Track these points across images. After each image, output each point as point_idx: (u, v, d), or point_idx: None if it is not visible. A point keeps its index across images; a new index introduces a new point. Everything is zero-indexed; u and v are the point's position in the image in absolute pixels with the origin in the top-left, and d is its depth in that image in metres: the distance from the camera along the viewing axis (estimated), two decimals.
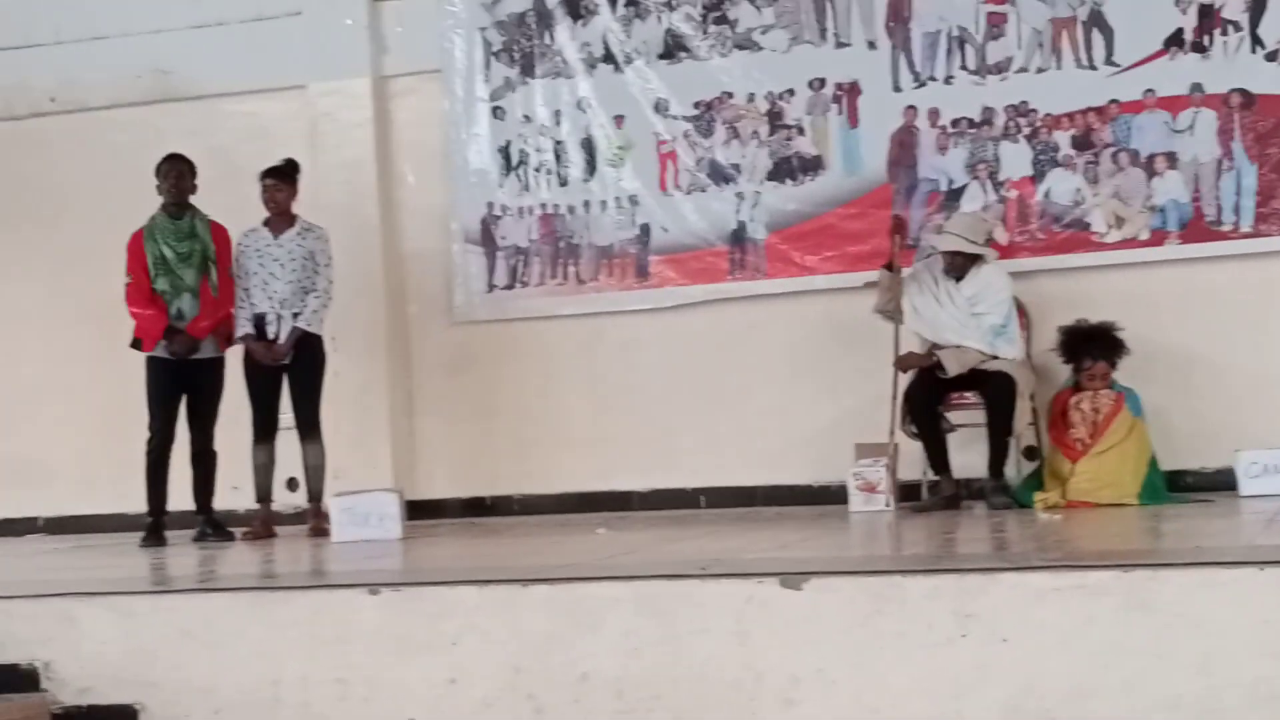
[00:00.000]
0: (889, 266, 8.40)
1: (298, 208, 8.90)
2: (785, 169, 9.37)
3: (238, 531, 8.79)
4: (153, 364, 8.65)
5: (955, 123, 9.05)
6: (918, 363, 8.26)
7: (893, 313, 8.41)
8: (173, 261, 8.64)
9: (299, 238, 8.77)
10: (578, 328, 9.74)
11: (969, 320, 8.21)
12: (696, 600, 5.38)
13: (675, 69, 9.57)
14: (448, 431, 9.90)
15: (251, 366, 8.69)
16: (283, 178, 8.80)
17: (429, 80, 10.01)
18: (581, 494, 9.60)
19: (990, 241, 8.49)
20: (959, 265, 8.24)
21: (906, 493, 8.46)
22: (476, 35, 9.91)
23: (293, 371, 8.73)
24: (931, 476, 8.40)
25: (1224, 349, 8.63)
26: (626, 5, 9.67)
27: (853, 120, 9.25)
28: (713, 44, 9.51)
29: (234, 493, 8.97)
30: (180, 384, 8.67)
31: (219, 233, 8.80)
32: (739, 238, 9.43)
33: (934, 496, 8.29)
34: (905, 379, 8.31)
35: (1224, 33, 8.63)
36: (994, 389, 8.11)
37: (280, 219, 8.80)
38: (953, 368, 8.16)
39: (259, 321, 8.69)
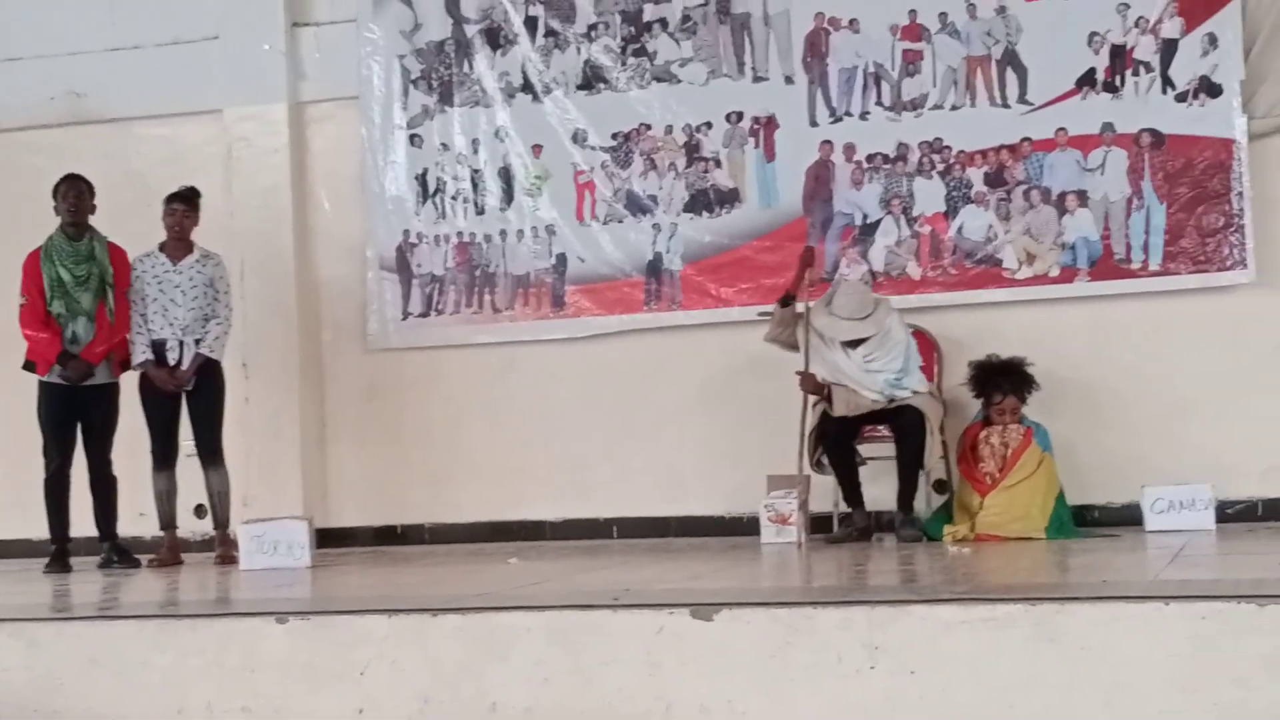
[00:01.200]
0: (786, 299, 8.40)
1: (208, 232, 8.83)
2: (702, 201, 9.41)
3: (144, 558, 8.69)
4: (46, 389, 8.56)
5: (870, 158, 9.13)
6: (814, 389, 8.28)
7: (785, 344, 8.43)
8: (69, 284, 8.55)
9: (199, 265, 8.73)
10: (493, 357, 9.71)
11: (866, 377, 8.21)
12: (607, 631, 5.36)
13: (594, 100, 9.59)
14: (360, 459, 9.84)
15: (149, 393, 8.62)
16: (190, 204, 8.75)
17: (346, 107, 9.97)
18: (494, 523, 9.57)
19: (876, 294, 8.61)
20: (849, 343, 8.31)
21: (818, 525, 8.51)
22: (395, 63, 9.89)
23: (194, 398, 8.67)
24: (843, 509, 8.43)
25: (1131, 386, 8.73)
26: (546, 36, 9.69)
27: (769, 154, 9.31)
28: (631, 76, 9.54)
29: (140, 519, 8.88)
30: (74, 410, 8.57)
31: (118, 256, 8.73)
32: (655, 269, 9.46)
33: (846, 529, 8.33)
34: (816, 411, 8.33)
35: (1135, 74, 8.76)
36: (903, 423, 8.16)
37: (180, 245, 8.76)
38: (839, 409, 8.19)
39: (158, 348, 8.61)
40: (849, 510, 8.36)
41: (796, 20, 9.27)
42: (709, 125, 9.40)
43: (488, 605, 5.65)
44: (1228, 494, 8.31)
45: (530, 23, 9.72)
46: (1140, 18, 8.75)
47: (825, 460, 8.31)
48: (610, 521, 9.42)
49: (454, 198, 9.81)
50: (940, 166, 9.03)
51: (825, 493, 8.51)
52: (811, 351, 8.31)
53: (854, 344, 8.22)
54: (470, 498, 9.66)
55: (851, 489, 8.31)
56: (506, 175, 9.73)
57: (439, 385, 9.77)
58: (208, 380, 8.69)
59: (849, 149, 9.16)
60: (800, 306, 8.39)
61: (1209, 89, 8.62)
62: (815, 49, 9.24)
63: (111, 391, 8.68)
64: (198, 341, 8.62)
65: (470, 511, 9.64)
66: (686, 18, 9.46)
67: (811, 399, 8.32)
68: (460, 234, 9.79)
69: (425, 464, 9.73)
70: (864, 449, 8.46)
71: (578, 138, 9.60)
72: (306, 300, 9.93)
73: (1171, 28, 8.70)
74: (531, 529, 9.52)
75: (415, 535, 9.71)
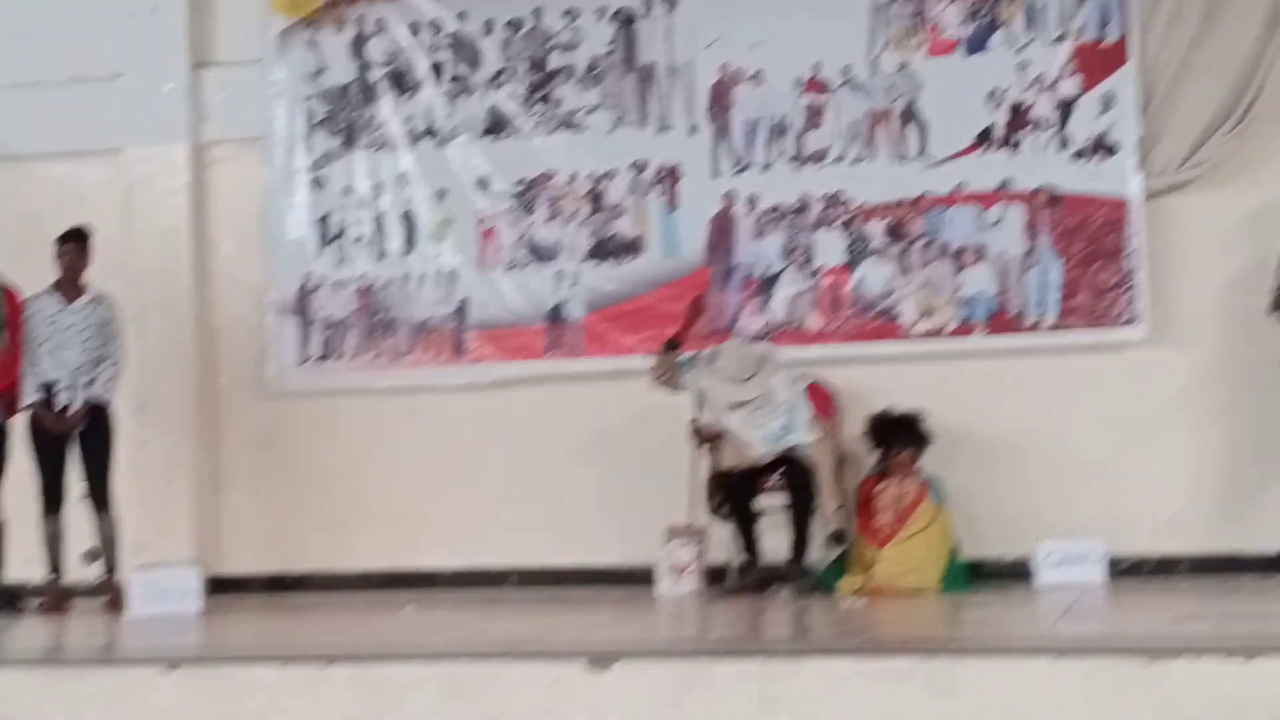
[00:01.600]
0: (671, 344, 8.38)
1: (106, 273, 8.72)
2: (605, 249, 9.43)
3: (31, 604, 8.53)
4: None
5: (773, 209, 9.19)
6: (709, 435, 8.30)
7: (669, 386, 8.44)
8: None
9: (91, 306, 8.63)
10: (392, 402, 9.65)
11: (750, 432, 8.21)
12: (503, 682, 5.32)
13: (498, 146, 9.60)
14: (256, 506, 9.73)
15: (39, 436, 8.48)
16: (82, 245, 8.65)
17: (249, 149, 9.91)
18: (390, 572, 9.47)
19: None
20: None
21: (715, 576, 8.49)
22: (299, 105, 9.85)
23: (84, 442, 8.54)
24: (740, 559, 8.42)
25: (1026, 440, 8.80)
26: (451, 81, 9.68)
27: (673, 203, 9.35)
28: (536, 123, 9.55)
29: (27, 565, 8.70)
30: None
31: (10, 296, 8.60)
32: (557, 316, 9.45)
33: (742, 579, 8.32)
34: (711, 459, 8.32)
35: (1034, 131, 8.88)
36: (794, 475, 8.18)
37: (72, 287, 8.64)
38: (728, 459, 8.23)
39: (49, 389, 8.48)
40: (746, 561, 8.34)
41: (701, 72, 9.33)
42: (613, 174, 9.43)
43: (381, 655, 5.60)
44: (1119, 549, 8.37)
45: (436, 68, 9.72)
46: (1039, 75, 8.87)
47: (725, 508, 8.30)
48: (508, 571, 9.36)
49: (356, 242, 9.76)
50: (841, 219, 9.10)
51: (722, 543, 8.49)
52: (704, 403, 8.32)
53: (736, 405, 8.24)
54: (366, 545, 9.56)
55: (749, 540, 8.31)
56: (409, 220, 9.70)
57: (337, 430, 9.69)
58: (98, 424, 8.56)
59: (752, 200, 9.22)
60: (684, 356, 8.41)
61: (1106, 147, 8.76)
62: (719, 100, 9.30)
63: (1, 434, 8.54)
64: (89, 384, 8.50)
65: (366, 559, 9.55)
66: (592, 66, 9.49)
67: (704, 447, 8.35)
68: (361, 278, 9.74)
69: (321, 511, 9.63)
70: (761, 500, 8.45)
71: (481, 184, 9.59)
72: (204, 343, 9.84)
73: (1069, 86, 8.83)
74: (428, 578, 9.42)
75: (310, 583, 9.59)
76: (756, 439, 8.19)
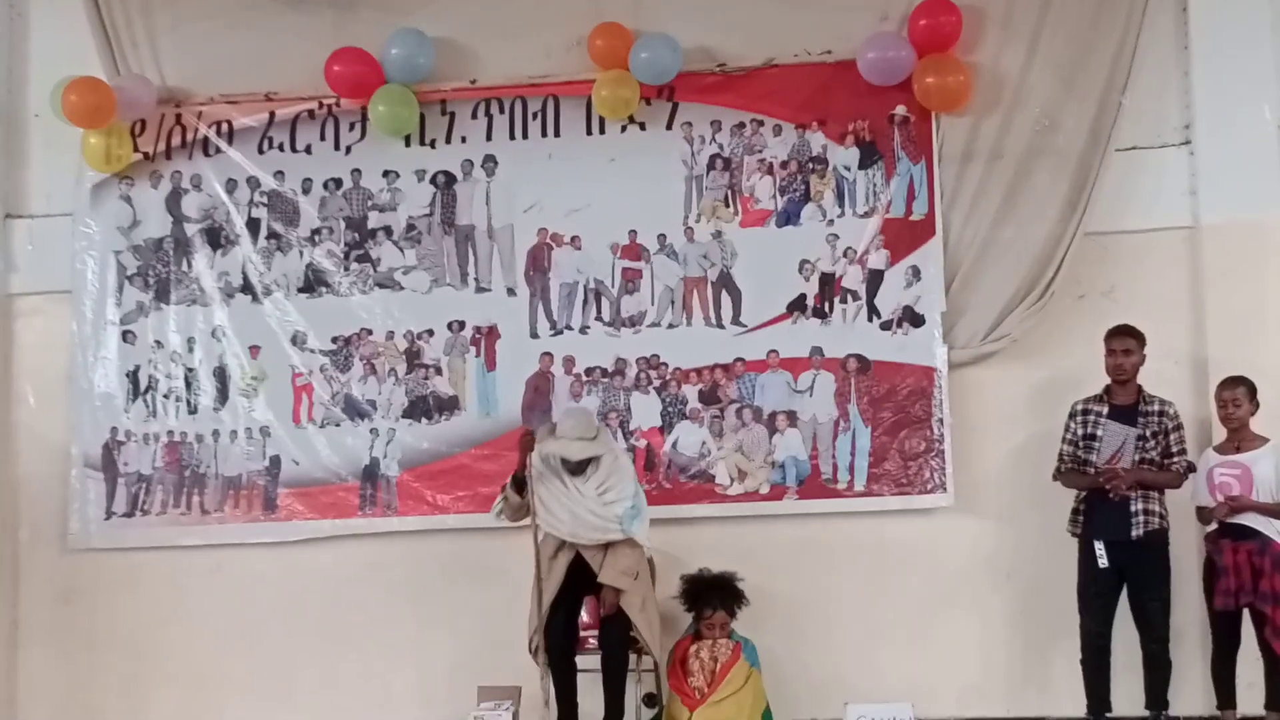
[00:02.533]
0: (519, 482, 8.29)
1: None
2: (421, 407, 9.42)
3: None
4: None
5: (589, 371, 9.27)
6: (529, 444, 8.28)
7: (515, 518, 8.39)
8: None
9: None
10: (200, 559, 9.46)
11: (603, 510, 8.16)
12: None
13: (315, 303, 9.58)
14: (54, 664, 9.44)
15: None
16: None
17: (58, 301, 9.75)
18: None
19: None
20: (583, 464, 8.26)
21: None
22: (111, 258, 9.74)
23: None
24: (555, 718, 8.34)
25: (836, 604, 8.93)
26: (268, 238, 9.66)
27: (490, 363, 9.39)
28: (354, 281, 9.56)
29: None
30: None
31: None
32: (372, 474, 9.39)
33: None
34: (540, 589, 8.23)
35: (843, 301, 9.12)
36: (609, 637, 8.16)
37: None
38: (563, 533, 8.20)
39: None
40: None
41: (520, 235, 9.44)
42: (430, 332, 9.46)
43: None
44: (926, 713, 8.48)
45: (253, 224, 9.70)
46: (849, 248, 9.13)
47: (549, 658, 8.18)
48: None
49: (166, 396, 9.63)
50: (657, 382, 9.22)
51: (535, 704, 8.42)
52: (547, 516, 8.22)
53: (582, 470, 8.20)
54: (167, 705, 9.33)
55: (567, 699, 8.22)
56: (222, 375, 9.61)
57: (141, 588, 9.47)
58: None
59: (569, 361, 9.30)
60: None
61: (912, 319, 9.02)
62: (537, 263, 9.41)
63: None
64: None
65: (166, 717, 9.30)
66: (411, 226, 9.55)
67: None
68: (171, 433, 9.59)
69: (122, 670, 9.38)
70: (580, 659, 8.40)
71: (297, 340, 9.55)
72: (4, 497, 9.59)
73: (878, 259, 9.11)
74: None
75: None
76: (609, 514, 8.14)
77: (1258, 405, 8.13)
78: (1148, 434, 8.12)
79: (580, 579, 8.20)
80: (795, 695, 8.65)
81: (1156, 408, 8.18)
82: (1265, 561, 7.84)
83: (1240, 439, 8.12)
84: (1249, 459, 8.04)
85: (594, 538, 8.19)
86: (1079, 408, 8.28)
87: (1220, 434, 8.29)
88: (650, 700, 8.52)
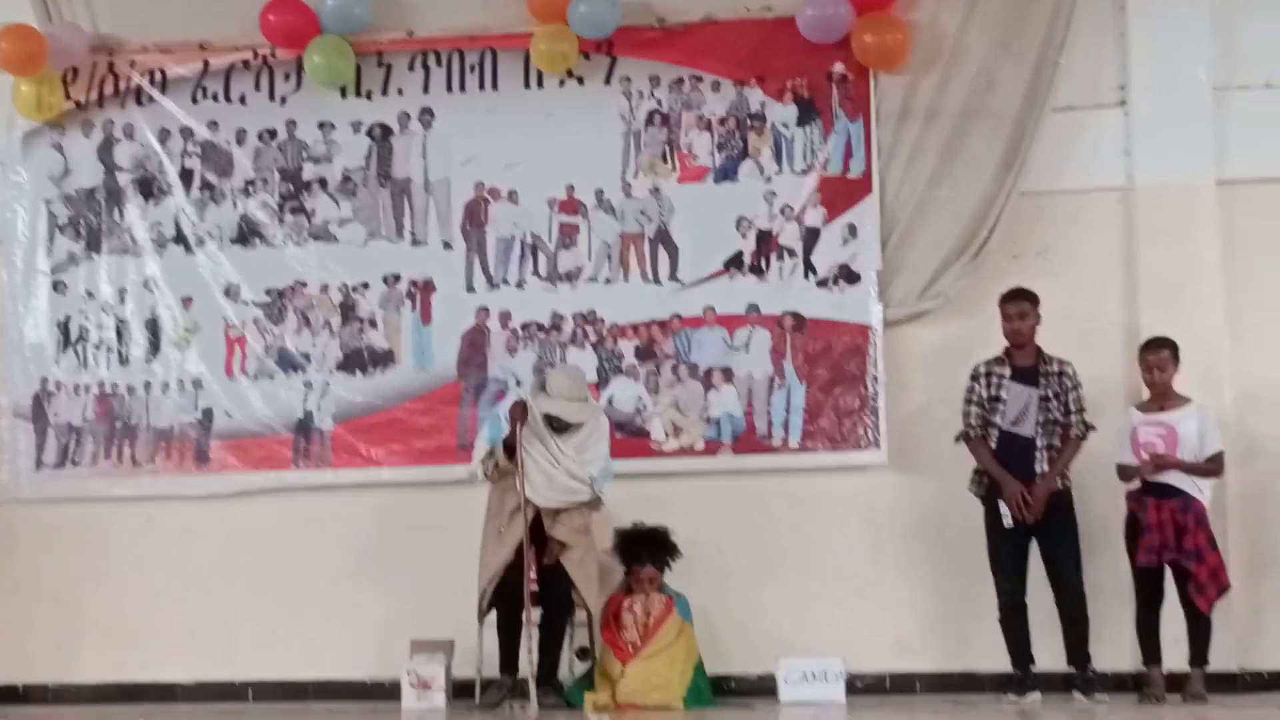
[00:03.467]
0: (510, 448, 8.09)
1: None
2: (356, 361, 9.37)
3: None
4: None
5: (525, 326, 9.25)
6: (521, 415, 8.12)
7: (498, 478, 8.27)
8: None
9: None
10: (131, 512, 9.39)
11: (579, 469, 8.13)
12: None
13: (248, 254, 9.50)
14: None
15: None
16: None
17: None
18: (123, 684, 9.19)
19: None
20: (565, 424, 8.17)
21: (462, 690, 8.42)
22: (41, 207, 9.64)
23: None
24: (487, 675, 8.33)
25: (769, 559, 8.96)
26: (201, 189, 9.58)
27: (425, 317, 9.35)
28: (288, 233, 9.49)
29: None
30: None
31: None
32: (305, 427, 9.34)
33: (497, 692, 8.18)
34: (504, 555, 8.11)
35: (780, 258, 9.13)
36: (548, 590, 8.16)
37: None
38: (538, 497, 8.10)
39: None
40: (500, 675, 8.21)
41: (456, 188, 9.39)
42: (366, 286, 9.41)
43: None
44: (858, 667, 8.57)
45: (186, 175, 9.61)
46: (786, 205, 9.14)
47: (497, 610, 8.15)
48: (247, 685, 9.15)
49: (97, 347, 9.55)
50: (593, 338, 9.20)
51: (469, 657, 8.43)
52: (529, 485, 8.09)
53: (566, 429, 8.14)
54: (98, 657, 9.27)
55: (510, 650, 8.17)
56: (154, 326, 9.53)
57: (71, 539, 9.39)
58: None
59: (504, 316, 9.28)
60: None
61: (848, 276, 9.04)
62: (474, 217, 9.37)
63: None
64: None
65: (98, 672, 9.25)
66: (346, 179, 9.49)
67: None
68: (101, 384, 9.51)
69: (52, 621, 9.32)
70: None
71: (230, 291, 9.48)
72: None
73: (814, 217, 9.12)
74: (163, 691, 9.18)
75: (38, 695, 9.24)
76: (582, 472, 8.13)
77: (1179, 365, 8.20)
78: (1049, 394, 8.20)
79: (534, 534, 8.14)
80: (728, 649, 8.70)
81: (1056, 368, 8.27)
82: (1189, 519, 7.93)
83: (1164, 399, 8.19)
84: (1174, 418, 8.12)
85: (563, 500, 8.17)
86: (981, 370, 8.34)
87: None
88: (584, 654, 8.55)
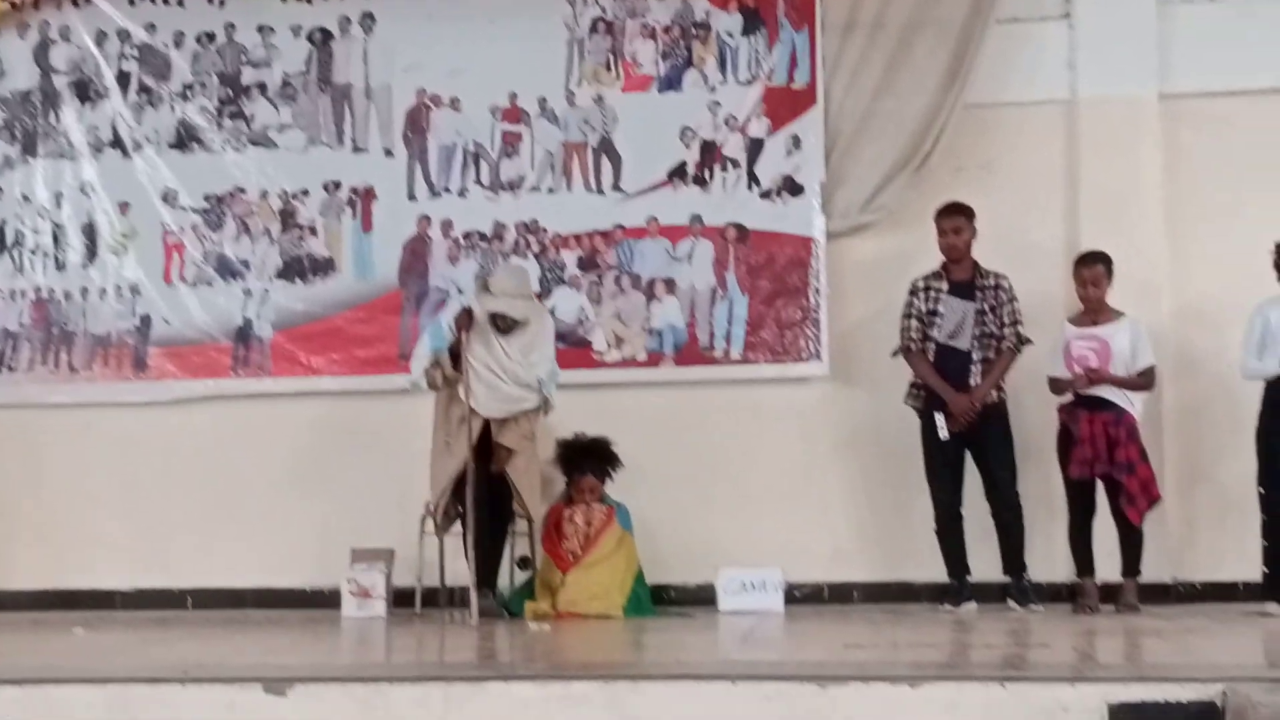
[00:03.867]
0: (455, 356, 8.01)
1: None
2: (296, 268, 9.31)
3: None
4: None
5: (467, 235, 9.20)
6: (467, 323, 7.99)
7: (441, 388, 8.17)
8: None
9: None
10: (68, 418, 9.35)
11: (526, 372, 8.02)
12: (175, 706, 5.21)
13: (187, 159, 9.41)
14: None
15: None
16: None
17: None
18: (60, 591, 9.20)
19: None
20: (511, 322, 8.06)
21: (403, 598, 8.44)
22: None
23: None
24: (426, 584, 8.34)
25: (710, 469, 8.98)
26: (139, 92, 9.46)
27: (366, 225, 9.28)
28: (227, 138, 9.39)
29: None
30: None
31: None
32: (245, 334, 9.28)
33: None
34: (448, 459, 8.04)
35: (724, 169, 9.09)
36: (496, 498, 8.12)
37: None
38: (483, 407, 7.98)
39: None
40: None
41: (398, 95, 9.30)
42: (306, 192, 9.32)
43: (47, 677, 5.41)
44: (796, 577, 8.63)
45: (123, 78, 9.49)
46: (730, 116, 9.08)
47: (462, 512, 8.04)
48: (185, 592, 9.16)
49: (33, 252, 9.46)
50: (536, 248, 9.15)
51: (409, 566, 8.45)
52: (469, 377, 7.96)
53: (510, 329, 8.02)
54: (35, 564, 9.25)
55: (483, 555, 8.06)
56: (90, 231, 9.43)
57: (7, 446, 9.33)
58: None
59: (446, 225, 9.22)
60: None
61: (791, 188, 9.01)
62: (416, 124, 9.28)
63: None
64: None
65: (35, 578, 9.24)
66: (286, 84, 9.38)
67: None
68: (38, 289, 9.44)
69: None
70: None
71: (168, 197, 9.38)
72: None
73: (758, 127, 9.07)
74: (101, 598, 9.18)
75: None
76: (529, 376, 8.02)
77: (1113, 279, 8.23)
78: (985, 308, 8.24)
79: (482, 441, 8.04)
80: (668, 559, 8.73)
81: (992, 282, 8.30)
82: (1120, 432, 7.99)
83: (1097, 313, 8.23)
84: (1107, 332, 8.16)
85: (508, 410, 8.08)
86: (920, 284, 8.36)
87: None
88: (525, 563, 8.56)
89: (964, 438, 8.19)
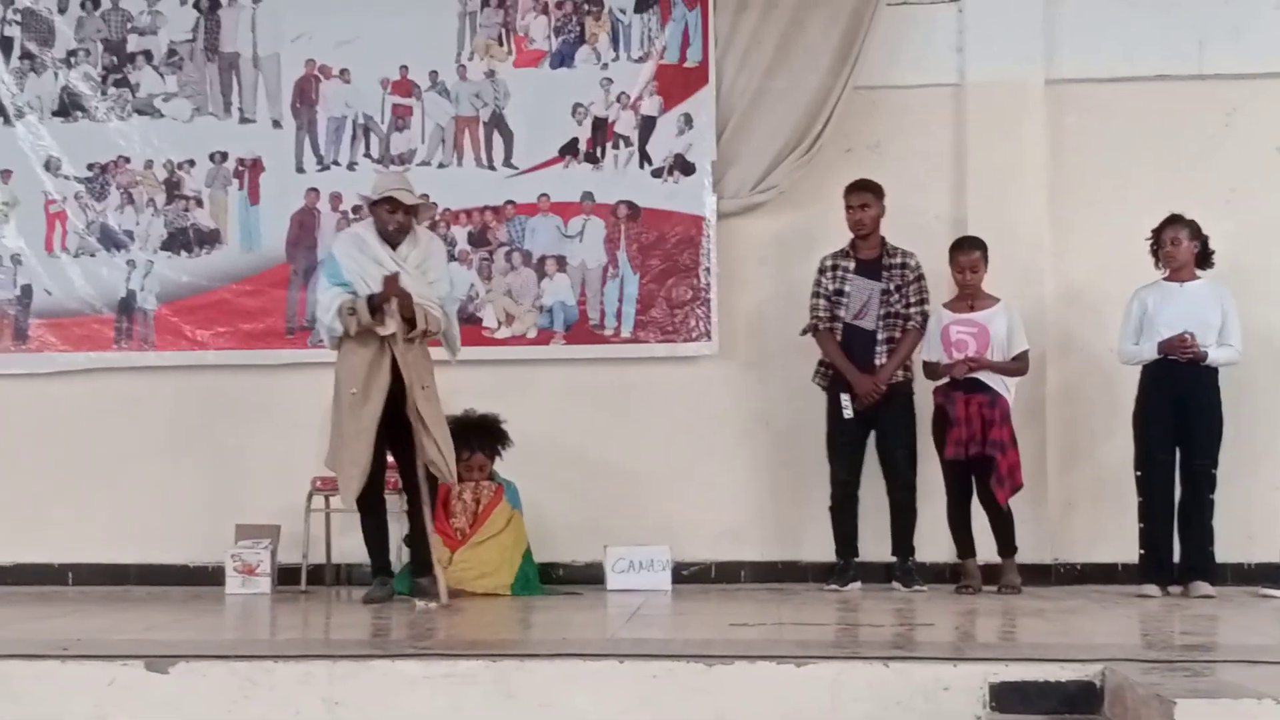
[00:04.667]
0: (374, 308, 7.45)
1: None
2: (181, 240, 9.19)
3: None
4: None
5: (357, 209, 9.10)
6: (394, 289, 7.45)
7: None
8: None
9: None
10: None
11: (426, 289, 7.61)
12: (55, 682, 5.16)
13: (70, 128, 9.25)
14: None
15: None
16: None
17: None
18: None
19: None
20: (406, 226, 7.64)
21: (285, 576, 8.38)
22: None
23: None
24: (312, 560, 8.28)
25: (600, 448, 8.99)
26: (21, 58, 9.29)
27: (254, 197, 9.18)
28: (111, 106, 9.24)
29: None
30: None
31: None
32: (128, 306, 9.15)
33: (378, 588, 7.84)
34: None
35: (615, 147, 9.08)
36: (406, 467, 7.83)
37: None
38: (390, 326, 7.45)
39: None
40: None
41: (287, 65, 9.20)
42: (192, 163, 9.20)
43: None
44: (684, 556, 8.68)
45: (5, 43, 9.32)
46: (622, 93, 9.08)
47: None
48: (65, 567, 9.03)
49: None
50: (426, 223, 9.07)
51: (294, 542, 8.40)
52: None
53: (399, 240, 7.58)
54: None
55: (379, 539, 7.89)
56: None
57: None
58: None
59: (335, 198, 9.14)
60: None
61: (683, 167, 9.02)
62: (305, 95, 9.19)
63: None
64: None
65: None
66: (173, 52, 9.25)
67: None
68: None
69: None
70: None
71: (51, 165, 9.23)
72: None
73: (650, 105, 9.07)
74: None
75: None
76: (430, 291, 7.60)
77: (988, 264, 8.32)
78: (891, 287, 8.32)
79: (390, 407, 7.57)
80: (557, 537, 8.74)
81: (899, 260, 8.38)
82: (995, 414, 8.09)
83: (974, 298, 8.32)
84: (984, 318, 8.25)
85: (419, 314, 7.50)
86: (828, 263, 8.42)
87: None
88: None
89: (867, 417, 8.26)
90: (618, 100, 9.08)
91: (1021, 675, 4.98)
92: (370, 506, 7.71)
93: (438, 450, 7.53)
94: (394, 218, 7.60)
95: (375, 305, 7.47)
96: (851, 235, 8.41)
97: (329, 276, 7.67)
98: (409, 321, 7.51)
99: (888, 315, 8.31)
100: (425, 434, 7.51)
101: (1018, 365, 8.26)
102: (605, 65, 9.11)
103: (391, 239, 7.64)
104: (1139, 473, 8.05)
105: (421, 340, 7.64)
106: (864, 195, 8.36)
